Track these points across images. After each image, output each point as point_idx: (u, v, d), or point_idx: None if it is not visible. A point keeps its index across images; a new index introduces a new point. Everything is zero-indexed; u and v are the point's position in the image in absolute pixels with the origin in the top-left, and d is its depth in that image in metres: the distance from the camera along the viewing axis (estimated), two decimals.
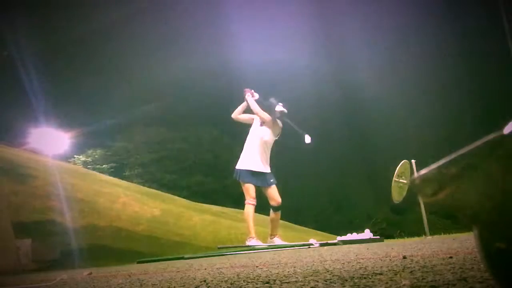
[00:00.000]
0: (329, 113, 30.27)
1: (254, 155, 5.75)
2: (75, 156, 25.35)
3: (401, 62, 28.36)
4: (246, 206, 5.66)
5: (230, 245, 6.03)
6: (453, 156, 0.50)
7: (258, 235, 5.72)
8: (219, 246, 5.96)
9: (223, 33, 26.91)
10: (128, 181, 20.59)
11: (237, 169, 5.80)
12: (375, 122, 29.42)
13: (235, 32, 26.35)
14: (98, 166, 25.24)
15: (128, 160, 27.31)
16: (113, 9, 23.66)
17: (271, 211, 5.77)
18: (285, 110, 5.93)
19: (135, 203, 13.07)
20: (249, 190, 5.63)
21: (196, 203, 16.98)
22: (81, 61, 27.58)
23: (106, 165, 25.87)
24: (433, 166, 0.52)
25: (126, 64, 27.99)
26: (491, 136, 0.47)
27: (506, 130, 0.47)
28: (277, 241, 5.66)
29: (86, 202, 11.82)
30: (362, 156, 29.26)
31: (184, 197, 18.32)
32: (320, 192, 29.60)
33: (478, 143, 0.48)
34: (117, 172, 24.68)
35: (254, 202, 5.65)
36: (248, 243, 5.53)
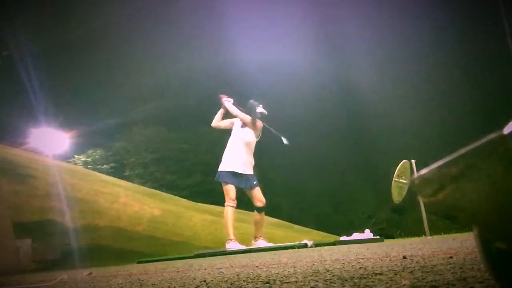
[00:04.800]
0: (329, 113, 30.27)
1: (236, 157, 5.73)
2: (75, 156, 25.37)
3: (401, 62, 28.37)
4: (226, 208, 5.61)
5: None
6: (453, 156, 0.50)
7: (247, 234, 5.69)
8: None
9: (223, 33, 26.92)
10: (128, 181, 20.60)
11: (219, 171, 5.78)
12: (376, 122, 29.42)
13: (235, 33, 26.36)
14: (98, 166, 25.26)
15: (128, 160, 27.31)
16: (113, 9, 23.67)
17: (256, 212, 5.70)
18: (265, 112, 5.90)
19: (135, 203, 13.06)
20: (229, 191, 5.59)
21: (196, 203, 16.98)
22: (81, 61, 27.58)
23: (106, 165, 25.88)
24: (433, 166, 0.51)
25: (126, 64, 28.00)
26: (491, 136, 0.47)
27: (506, 130, 0.47)
28: (262, 243, 5.55)
29: (86, 202, 11.82)
30: (362, 156, 29.25)
31: (184, 197, 18.32)
32: (320, 192, 29.59)
33: (478, 143, 0.48)
34: (117, 172, 24.68)
35: (234, 204, 5.59)
36: (227, 245, 5.48)
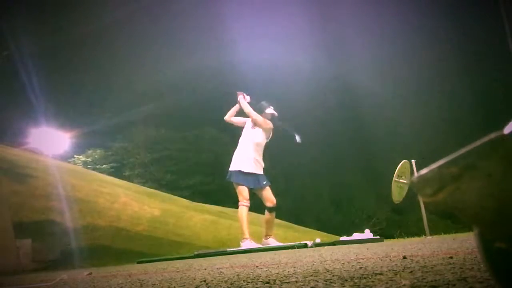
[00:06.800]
0: (329, 113, 30.27)
1: (246, 157, 5.76)
2: (75, 156, 25.37)
3: (401, 63, 28.36)
4: (240, 208, 5.67)
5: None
6: (453, 156, 0.50)
7: (253, 234, 5.73)
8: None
9: (223, 33, 26.92)
10: (128, 181, 20.59)
11: (230, 171, 5.82)
12: (376, 122, 29.42)
13: (234, 33, 26.36)
14: (98, 166, 25.25)
15: (128, 160, 27.32)
16: (113, 9, 23.66)
17: (266, 212, 5.76)
18: (275, 113, 5.94)
19: (135, 203, 13.06)
20: (242, 191, 5.64)
21: (196, 203, 16.98)
22: (81, 61, 27.59)
23: (106, 165, 25.88)
24: (433, 166, 0.51)
25: (126, 64, 28.00)
26: (491, 136, 0.47)
27: (506, 130, 0.47)
28: (272, 241, 5.64)
29: (86, 202, 11.81)
30: (363, 156, 29.26)
31: (184, 197, 18.32)
32: (321, 192, 29.61)
33: (478, 143, 0.48)
34: (117, 172, 24.69)
35: (247, 203, 5.65)
36: (242, 244, 5.53)
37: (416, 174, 0.53)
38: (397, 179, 6.09)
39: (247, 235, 5.55)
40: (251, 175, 5.71)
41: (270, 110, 5.90)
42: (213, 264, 2.75)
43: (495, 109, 22.71)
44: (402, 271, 1.24)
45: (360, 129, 30.37)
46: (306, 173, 28.83)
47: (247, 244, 5.47)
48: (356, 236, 6.09)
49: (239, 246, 5.64)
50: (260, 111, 5.90)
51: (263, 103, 5.97)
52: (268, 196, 5.71)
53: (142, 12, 26.48)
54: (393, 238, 8.51)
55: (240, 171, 5.71)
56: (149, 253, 8.35)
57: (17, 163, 13.62)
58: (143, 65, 28.75)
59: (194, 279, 1.69)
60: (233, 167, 5.79)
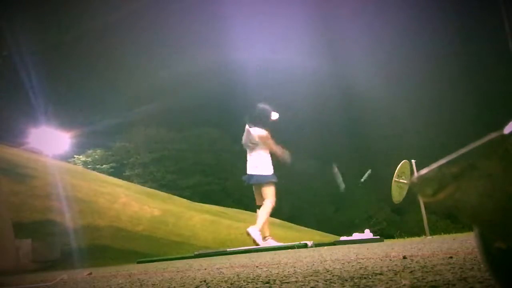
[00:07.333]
0: (329, 113, 30.27)
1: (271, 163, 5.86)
2: (75, 156, 25.38)
3: (402, 63, 28.36)
4: (270, 206, 5.66)
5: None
6: (453, 156, 0.50)
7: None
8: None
9: (223, 33, 26.92)
10: (128, 181, 20.60)
11: (265, 175, 5.74)
12: (376, 122, 29.42)
13: (235, 33, 26.35)
14: (98, 166, 25.26)
15: (128, 160, 27.32)
16: (114, 9, 23.66)
17: (258, 210, 5.76)
18: (277, 115, 5.92)
19: (135, 203, 13.07)
20: (275, 191, 5.72)
21: (196, 203, 16.98)
22: (81, 61, 27.59)
23: (106, 165, 25.89)
24: (433, 166, 0.51)
25: (126, 65, 28.01)
26: (491, 136, 0.47)
27: (506, 130, 0.47)
28: (272, 242, 5.58)
29: (86, 202, 11.82)
30: (363, 156, 29.26)
31: (184, 197, 18.33)
32: (321, 192, 29.61)
33: (478, 143, 0.48)
34: (117, 172, 24.70)
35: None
36: (268, 242, 5.52)
37: (416, 174, 0.53)
38: (397, 179, 6.10)
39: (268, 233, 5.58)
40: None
41: (275, 115, 5.88)
42: (213, 264, 2.75)
43: (495, 109, 22.71)
44: (402, 271, 1.24)
45: (360, 129, 30.38)
46: (306, 173, 28.82)
47: (272, 242, 5.49)
48: (356, 236, 6.09)
49: (239, 246, 5.62)
50: (267, 118, 5.84)
51: (266, 108, 5.89)
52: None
53: (142, 12, 26.49)
54: (393, 238, 8.52)
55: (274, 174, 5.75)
56: (149, 253, 8.35)
57: (17, 163, 13.62)
58: (143, 65, 28.75)
59: (194, 279, 1.69)
60: (269, 171, 5.76)
